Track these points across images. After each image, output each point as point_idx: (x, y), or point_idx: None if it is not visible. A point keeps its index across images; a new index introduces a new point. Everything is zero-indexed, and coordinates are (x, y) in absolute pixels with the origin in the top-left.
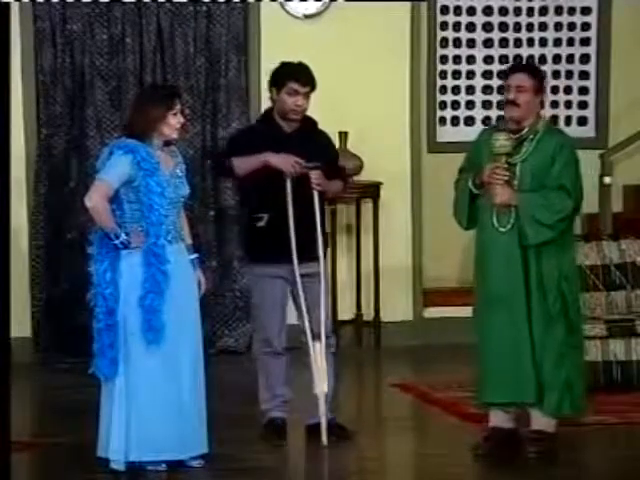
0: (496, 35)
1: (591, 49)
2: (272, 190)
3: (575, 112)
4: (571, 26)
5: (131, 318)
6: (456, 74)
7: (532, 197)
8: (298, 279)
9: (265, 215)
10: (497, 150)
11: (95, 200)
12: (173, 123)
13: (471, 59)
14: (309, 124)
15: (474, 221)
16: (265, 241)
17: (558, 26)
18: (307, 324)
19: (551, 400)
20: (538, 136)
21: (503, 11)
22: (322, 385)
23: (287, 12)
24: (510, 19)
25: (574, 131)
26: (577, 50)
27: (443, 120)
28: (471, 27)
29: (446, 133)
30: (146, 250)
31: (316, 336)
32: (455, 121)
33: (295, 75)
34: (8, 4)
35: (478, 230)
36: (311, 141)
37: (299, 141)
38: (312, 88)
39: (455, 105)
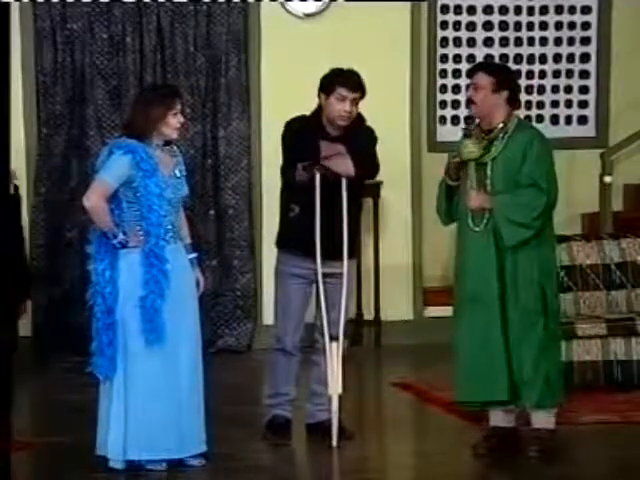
0: (496, 34)
1: (591, 48)
2: (305, 183)
3: (575, 111)
4: (571, 25)
5: (130, 318)
6: (456, 73)
7: (505, 199)
8: (320, 277)
9: (296, 207)
10: (466, 156)
11: (93, 200)
12: (173, 123)
13: (471, 58)
14: (355, 123)
15: (451, 217)
16: (293, 232)
17: (558, 25)
18: (325, 324)
19: (532, 394)
20: (508, 134)
21: (503, 10)
22: (336, 386)
23: (287, 11)
24: (510, 18)
25: (574, 130)
26: (577, 49)
27: (443, 119)
28: (471, 26)
29: (446, 132)
30: (147, 251)
31: (333, 337)
32: (455, 120)
33: (344, 80)
34: (8, 4)
35: (457, 231)
36: (353, 142)
37: (342, 144)
38: (362, 95)
39: (455, 104)
